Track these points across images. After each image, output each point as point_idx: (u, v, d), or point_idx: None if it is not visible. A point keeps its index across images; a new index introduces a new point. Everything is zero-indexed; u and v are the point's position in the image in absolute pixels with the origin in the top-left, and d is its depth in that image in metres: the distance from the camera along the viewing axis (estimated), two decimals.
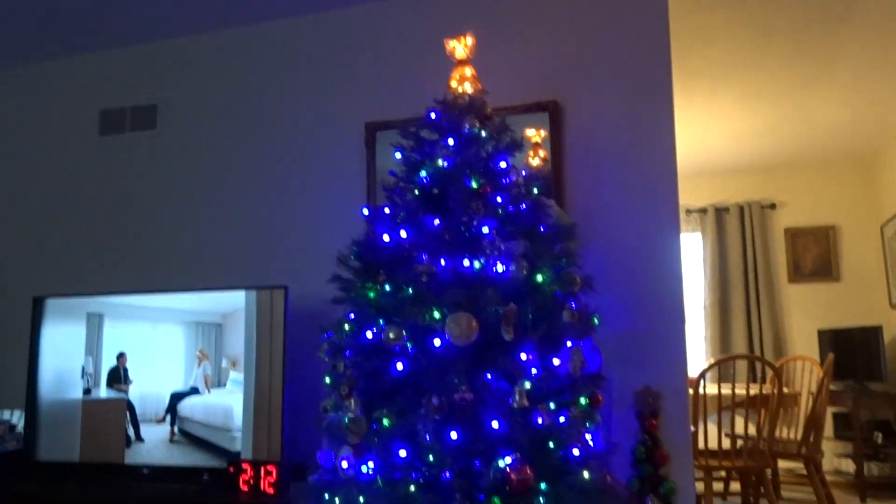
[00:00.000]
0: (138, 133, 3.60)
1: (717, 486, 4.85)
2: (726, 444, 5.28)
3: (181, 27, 3.50)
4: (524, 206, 2.18)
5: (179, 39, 3.60)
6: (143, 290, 3.12)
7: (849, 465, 5.28)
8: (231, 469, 2.62)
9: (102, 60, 3.72)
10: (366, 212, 2.24)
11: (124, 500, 2.65)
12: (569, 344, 2.07)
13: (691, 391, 3.64)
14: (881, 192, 5.62)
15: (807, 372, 5.38)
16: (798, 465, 4.95)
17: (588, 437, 2.12)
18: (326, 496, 2.09)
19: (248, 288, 2.88)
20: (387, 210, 2.24)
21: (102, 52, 3.73)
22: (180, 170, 3.48)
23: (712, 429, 5.02)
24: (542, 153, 3.01)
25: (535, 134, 3.01)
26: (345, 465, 2.06)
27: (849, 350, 5.39)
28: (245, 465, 2.59)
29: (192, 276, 3.33)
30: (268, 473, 2.55)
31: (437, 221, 2.07)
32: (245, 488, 2.57)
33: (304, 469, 2.57)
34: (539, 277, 2.03)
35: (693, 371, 4.02)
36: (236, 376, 2.82)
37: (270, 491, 2.53)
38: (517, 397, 1.86)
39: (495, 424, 1.90)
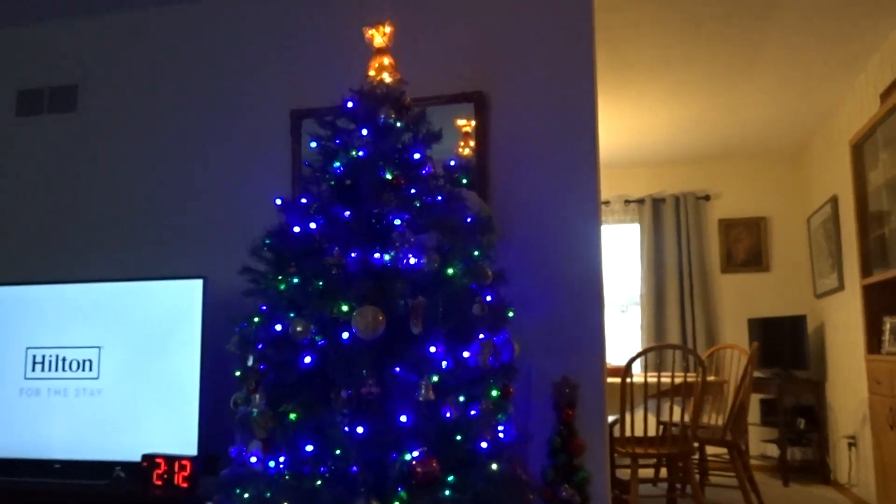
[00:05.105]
0: (57, 115, 3.47)
1: (648, 473, 4.96)
2: (652, 431, 5.41)
3: (103, 4, 3.37)
4: (440, 197, 2.17)
5: (101, 17, 3.46)
6: (56, 281, 3.01)
7: (774, 450, 5.47)
8: (145, 463, 2.56)
9: (20, 37, 3.56)
10: (279, 202, 2.20)
11: (32, 496, 2.57)
12: (481, 336, 2.07)
13: (618, 380, 3.71)
14: (808, 185, 5.80)
15: (735, 360, 5.54)
16: (726, 451, 5.09)
17: (500, 428, 2.14)
18: (237, 490, 2.06)
19: (167, 278, 2.81)
20: (303, 200, 2.20)
21: (20, 29, 3.57)
22: (100, 154, 3.36)
23: (641, 416, 5.13)
24: (472, 143, 3.01)
25: (465, 124, 3.01)
26: (253, 459, 2.03)
27: (776, 338, 5.56)
28: (159, 460, 2.53)
29: (111, 266, 3.23)
30: (182, 468, 2.50)
31: (347, 213, 2.05)
32: (159, 483, 2.52)
33: (217, 463, 2.53)
34: (450, 270, 2.02)
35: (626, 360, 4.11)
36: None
37: (184, 485, 2.49)
38: (423, 390, 1.86)
39: (403, 418, 1.89)
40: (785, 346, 5.48)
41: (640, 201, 6.27)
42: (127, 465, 2.67)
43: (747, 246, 6.07)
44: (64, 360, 2.86)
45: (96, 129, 3.39)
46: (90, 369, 2.82)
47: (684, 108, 4.86)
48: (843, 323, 4.85)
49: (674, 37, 3.80)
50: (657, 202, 6.24)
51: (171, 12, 3.37)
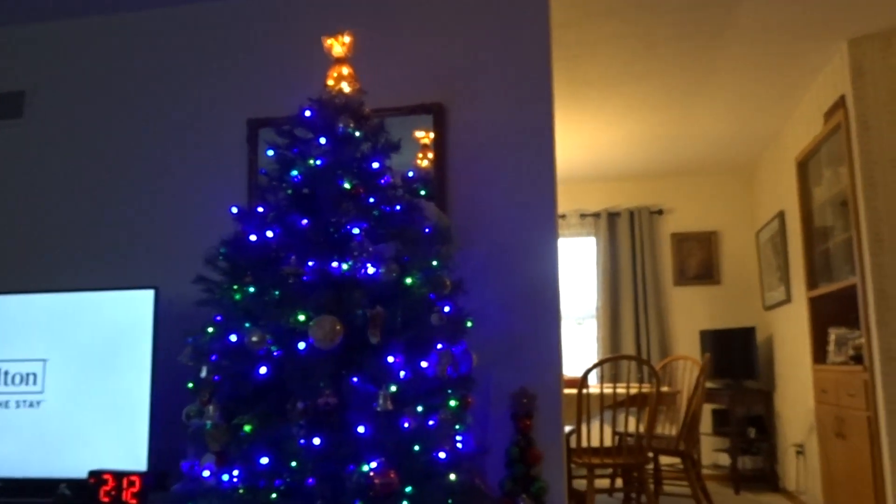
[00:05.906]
0: (2, 122, 3.36)
1: (604, 483, 5.01)
2: (608, 441, 5.46)
3: (54, 10, 3.29)
4: (398, 207, 2.17)
5: (52, 23, 3.38)
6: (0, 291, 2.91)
7: (725, 460, 5.57)
8: (92, 480, 2.47)
9: None
10: (234, 210, 2.17)
11: None
12: (439, 346, 2.07)
13: (575, 391, 3.74)
14: (757, 201, 5.97)
15: (688, 371, 5.64)
16: (679, 461, 5.16)
17: (458, 439, 2.14)
18: None
19: (117, 288, 2.73)
20: (260, 209, 2.17)
21: None
22: (48, 162, 3.26)
23: (597, 427, 5.17)
24: (430, 155, 3.02)
25: (424, 136, 3.02)
26: (206, 473, 1.99)
27: (727, 350, 5.69)
28: (106, 476, 2.45)
29: (59, 276, 3.13)
30: (131, 484, 2.43)
31: (305, 222, 2.03)
32: (106, 500, 2.44)
33: (167, 478, 2.46)
34: (408, 280, 2.02)
35: (581, 372, 4.16)
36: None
37: (133, 502, 2.41)
38: (381, 401, 1.84)
39: (361, 429, 1.87)
40: (735, 357, 5.61)
41: (596, 215, 6.37)
42: (73, 482, 2.57)
43: (699, 260, 6.21)
44: (6, 373, 2.75)
45: (44, 135, 3.29)
46: (34, 383, 2.72)
47: (639, 124, 4.97)
48: (790, 334, 4.99)
49: (630, 55, 3.88)
50: (612, 216, 6.35)
51: (123, 19, 3.30)
